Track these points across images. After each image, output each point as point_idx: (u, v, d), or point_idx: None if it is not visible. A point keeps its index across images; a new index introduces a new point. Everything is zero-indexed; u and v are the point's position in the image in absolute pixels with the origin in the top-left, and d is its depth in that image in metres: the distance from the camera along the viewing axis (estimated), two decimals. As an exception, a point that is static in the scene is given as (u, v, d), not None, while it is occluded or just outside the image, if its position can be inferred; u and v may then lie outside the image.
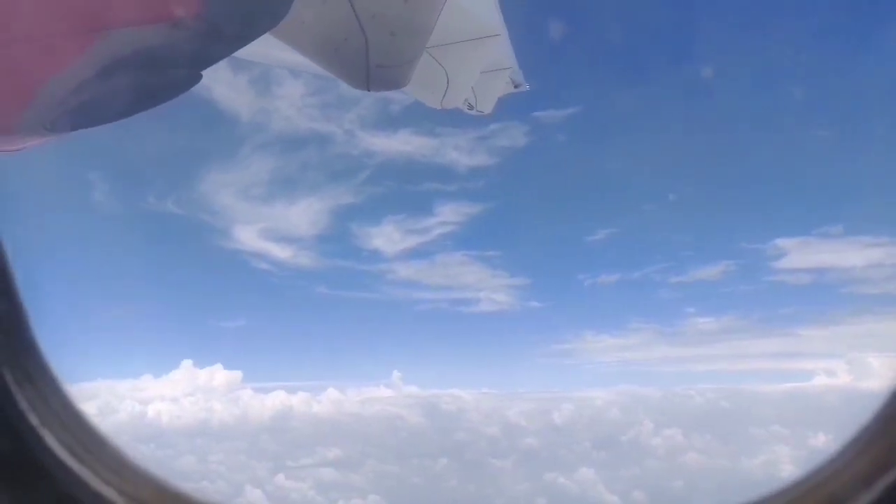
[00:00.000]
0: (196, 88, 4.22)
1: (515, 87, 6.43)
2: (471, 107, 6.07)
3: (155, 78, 4.30)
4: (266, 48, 4.77)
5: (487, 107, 6.31)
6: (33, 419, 1.23)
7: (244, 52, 4.54)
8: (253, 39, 4.28)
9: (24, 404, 1.23)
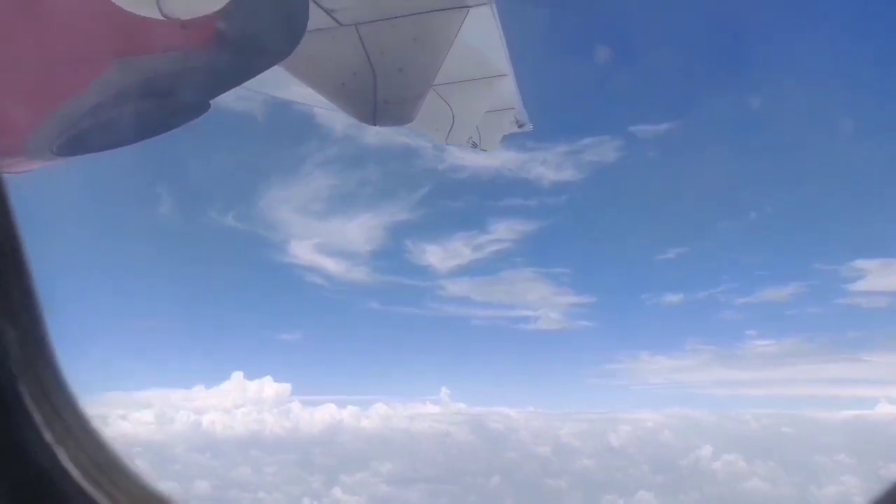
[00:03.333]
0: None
1: (519, 126, 6.48)
2: (475, 145, 6.13)
3: (165, 105, 4.35)
4: (275, 80, 4.83)
5: (491, 146, 6.36)
6: (48, 436, 1.22)
7: (254, 83, 4.60)
8: (263, 70, 4.34)
9: (39, 420, 1.21)
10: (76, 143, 4.21)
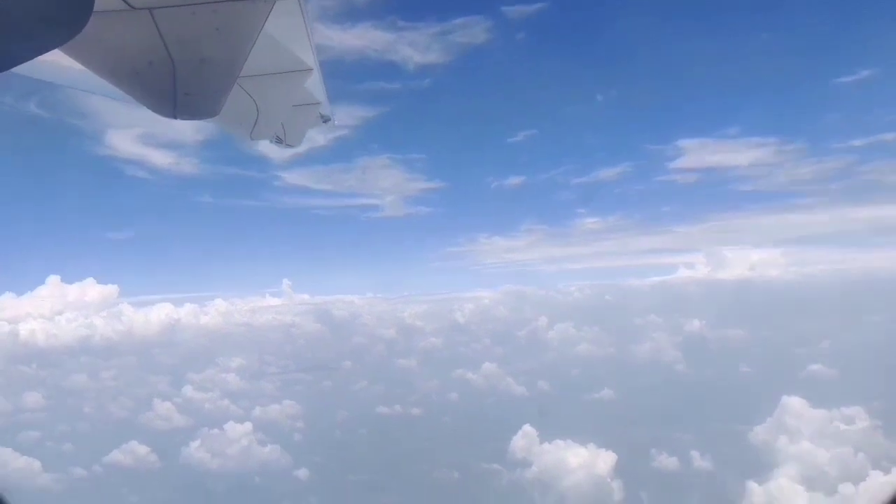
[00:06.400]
0: None
1: (324, 121, 6.44)
2: (280, 140, 5.98)
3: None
4: (56, 66, 4.40)
5: (296, 141, 6.25)
6: None
7: (28, 69, 4.13)
8: (41, 53, 3.91)
9: None
10: None
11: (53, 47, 4.02)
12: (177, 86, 4.18)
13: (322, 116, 6.34)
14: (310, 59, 5.18)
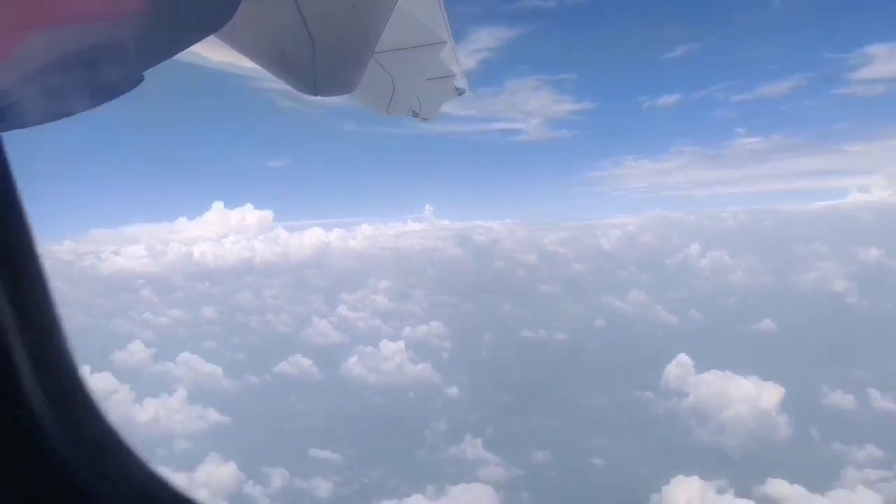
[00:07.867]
0: None
1: (459, 94, 6.48)
2: (415, 114, 6.10)
3: (93, 78, 4.17)
4: (210, 50, 4.70)
5: (432, 114, 6.35)
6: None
7: (188, 55, 4.46)
8: (198, 41, 4.20)
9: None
10: None
11: (210, 32, 4.33)
12: (316, 64, 4.37)
13: (457, 89, 6.38)
14: (443, 32, 5.21)
